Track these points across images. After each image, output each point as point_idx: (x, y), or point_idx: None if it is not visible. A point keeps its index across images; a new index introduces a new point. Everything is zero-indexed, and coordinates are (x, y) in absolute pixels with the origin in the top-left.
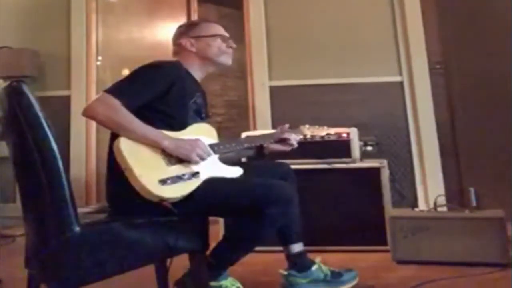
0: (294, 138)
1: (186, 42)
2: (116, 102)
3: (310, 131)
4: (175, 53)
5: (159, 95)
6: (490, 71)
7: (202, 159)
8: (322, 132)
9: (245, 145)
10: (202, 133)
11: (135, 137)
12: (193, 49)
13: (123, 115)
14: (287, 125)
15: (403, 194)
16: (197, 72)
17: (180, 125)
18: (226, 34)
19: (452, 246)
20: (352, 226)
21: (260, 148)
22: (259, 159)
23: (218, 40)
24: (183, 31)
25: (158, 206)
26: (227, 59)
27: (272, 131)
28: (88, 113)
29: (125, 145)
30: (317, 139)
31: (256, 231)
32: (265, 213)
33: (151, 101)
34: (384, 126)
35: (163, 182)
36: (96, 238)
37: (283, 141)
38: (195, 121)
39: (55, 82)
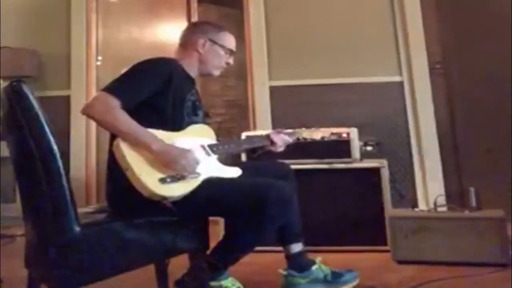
0: (284, 142)
1: (200, 40)
2: (114, 102)
3: (307, 134)
4: (182, 45)
5: (155, 91)
6: (490, 71)
7: (183, 171)
8: (318, 135)
9: (243, 146)
10: (200, 134)
11: (128, 139)
12: (200, 50)
13: (119, 116)
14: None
15: (403, 194)
16: (193, 70)
17: (176, 122)
18: (235, 50)
19: (452, 246)
20: (352, 226)
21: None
22: (252, 156)
23: (226, 55)
24: (204, 30)
25: (158, 206)
26: (216, 72)
27: (272, 131)
28: (86, 112)
29: (124, 144)
30: (316, 139)
31: (256, 231)
32: (265, 213)
33: (148, 99)
34: (384, 126)
35: (163, 181)
36: (96, 238)
37: (272, 143)
38: (191, 119)
39: (55, 82)
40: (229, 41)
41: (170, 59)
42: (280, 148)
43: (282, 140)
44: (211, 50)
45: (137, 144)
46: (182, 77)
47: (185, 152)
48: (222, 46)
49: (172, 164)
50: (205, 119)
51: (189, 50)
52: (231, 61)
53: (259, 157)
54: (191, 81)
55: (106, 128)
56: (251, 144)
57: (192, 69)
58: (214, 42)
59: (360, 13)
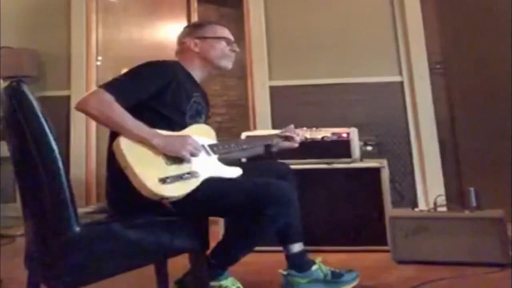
0: (299, 135)
1: (190, 42)
2: (109, 97)
3: (308, 134)
4: (178, 52)
5: (154, 94)
6: (490, 71)
7: (193, 155)
8: (318, 135)
9: (244, 146)
10: (200, 134)
11: (126, 134)
12: (196, 50)
13: (115, 110)
14: (292, 126)
15: (403, 194)
16: (198, 73)
17: (179, 126)
18: (231, 38)
19: (452, 246)
20: (352, 226)
21: (268, 146)
22: (267, 157)
23: (223, 43)
24: (188, 31)
25: (157, 206)
26: (227, 63)
27: (272, 131)
28: (80, 107)
29: (125, 143)
30: (317, 139)
31: (255, 231)
32: (265, 213)
33: (148, 101)
34: (384, 126)
35: (163, 181)
36: (96, 238)
37: (289, 138)
38: (194, 122)
39: (55, 82)
40: (217, 30)
41: (172, 62)
42: (298, 140)
43: (298, 135)
44: (204, 45)
45: (134, 138)
46: (184, 80)
47: (186, 138)
48: (212, 37)
49: (179, 153)
50: (206, 120)
51: (186, 54)
52: (235, 48)
53: (267, 155)
54: (195, 84)
55: (101, 123)
56: (251, 144)
57: (196, 72)
58: (202, 37)
59: (360, 13)
